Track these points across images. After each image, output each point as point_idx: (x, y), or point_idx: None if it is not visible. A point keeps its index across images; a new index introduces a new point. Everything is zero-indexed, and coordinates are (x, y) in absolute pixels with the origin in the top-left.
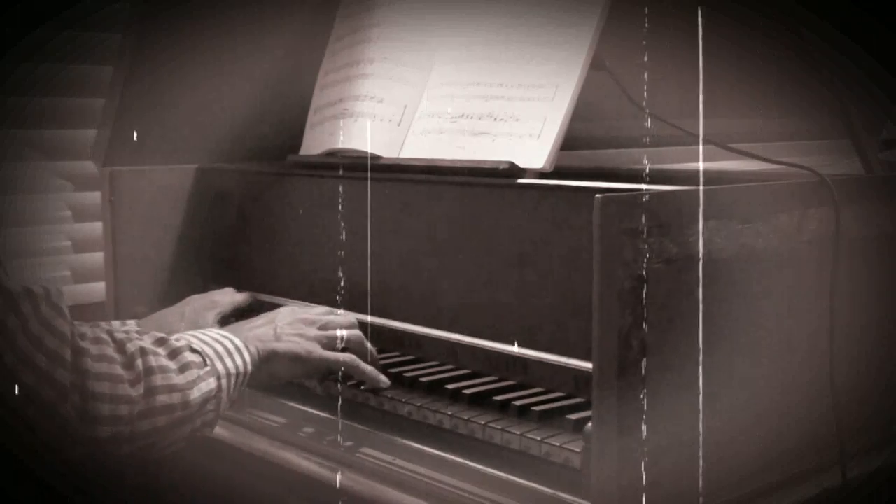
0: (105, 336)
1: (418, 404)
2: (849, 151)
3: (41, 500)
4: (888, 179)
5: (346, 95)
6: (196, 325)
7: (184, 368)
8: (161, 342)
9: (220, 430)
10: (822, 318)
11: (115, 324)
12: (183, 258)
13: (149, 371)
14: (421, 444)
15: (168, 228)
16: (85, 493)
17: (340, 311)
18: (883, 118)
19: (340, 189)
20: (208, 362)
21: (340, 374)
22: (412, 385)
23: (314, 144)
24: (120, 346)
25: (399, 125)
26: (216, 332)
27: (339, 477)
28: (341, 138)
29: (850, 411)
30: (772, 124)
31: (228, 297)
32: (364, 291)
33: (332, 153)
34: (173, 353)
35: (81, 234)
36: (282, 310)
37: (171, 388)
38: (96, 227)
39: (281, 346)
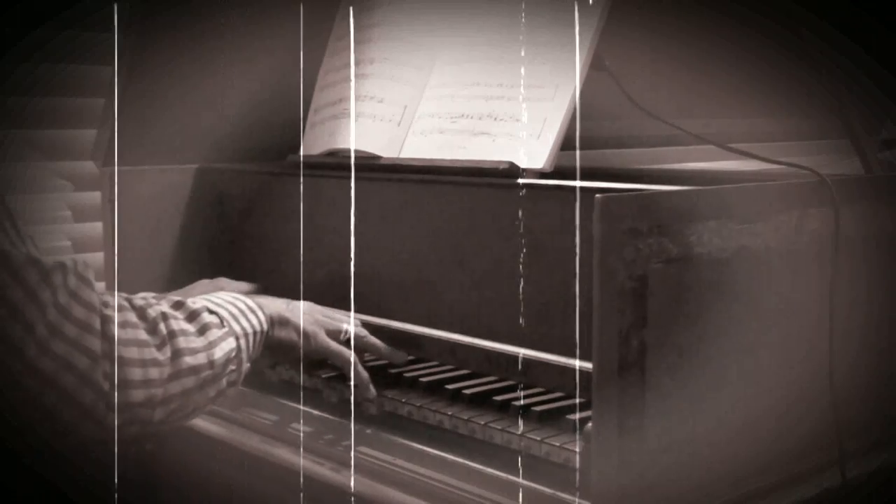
0: (125, 303)
1: (418, 404)
2: (849, 151)
3: (41, 499)
4: (888, 179)
5: (346, 95)
6: None
7: (203, 329)
8: (178, 305)
9: (219, 430)
10: (822, 318)
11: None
12: (183, 258)
13: (172, 334)
14: (421, 444)
15: (168, 228)
16: (84, 491)
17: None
18: (883, 118)
19: (340, 189)
20: (225, 323)
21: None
22: (412, 385)
23: (314, 144)
24: (141, 312)
25: (399, 125)
26: (229, 295)
27: (339, 477)
28: (341, 138)
29: (849, 411)
30: (772, 124)
31: (234, 285)
32: (364, 291)
33: (332, 153)
34: (192, 316)
35: (81, 234)
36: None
37: (195, 350)
38: (96, 227)
39: (293, 317)
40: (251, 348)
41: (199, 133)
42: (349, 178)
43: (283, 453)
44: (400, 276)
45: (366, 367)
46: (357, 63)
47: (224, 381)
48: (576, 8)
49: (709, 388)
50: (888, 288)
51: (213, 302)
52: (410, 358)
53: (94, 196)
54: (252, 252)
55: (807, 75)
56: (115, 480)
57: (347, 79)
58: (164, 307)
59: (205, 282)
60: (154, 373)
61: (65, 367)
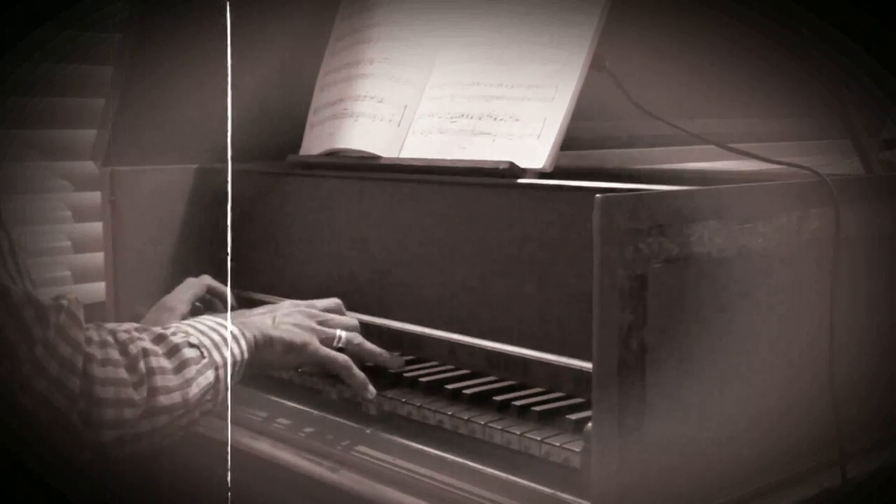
0: (109, 338)
1: (418, 404)
2: (849, 151)
3: (41, 499)
4: (888, 179)
5: (346, 95)
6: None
7: (181, 367)
8: (160, 339)
9: (219, 430)
10: (822, 318)
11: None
12: (183, 258)
13: (150, 372)
14: (421, 444)
15: (168, 228)
16: (84, 492)
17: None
18: (883, 118)
19: (340, 189)
20: (205, 354)
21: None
22: (412, 385)
23: (314, 144)
24: (123, 347)
25: (399, 125)
26: (212, 321)
27: (338, 477)
28: (341, 138)
29: (850, 411)
30: (772, 124)
31: (218, 285)
32: (364, 291)
33: (332, 153)
34: (171, 351)
35: (81, 234)
36: (284, 302)
37: (170, 389)
38: (96, 227)
39: (277, 333)
40: (231, 377)
41: (199, 133)
42: (349, 178)
43: (282, 453)
44: (400, 276)
45: (365, 368)
46: (357, 63)
47: (197, 413)
48: (576, 8)
49: (709, 388)
50: (888, 288)
51: (195, 329)
52: (410, 358)
53: (94, 196)
54: (252, 252)
55: (807, 75)
56: (116, 481)
57: (347, 79)
58: (146, 342)
59: (191, 280)
60: (128, 413)
61: (43, 405)
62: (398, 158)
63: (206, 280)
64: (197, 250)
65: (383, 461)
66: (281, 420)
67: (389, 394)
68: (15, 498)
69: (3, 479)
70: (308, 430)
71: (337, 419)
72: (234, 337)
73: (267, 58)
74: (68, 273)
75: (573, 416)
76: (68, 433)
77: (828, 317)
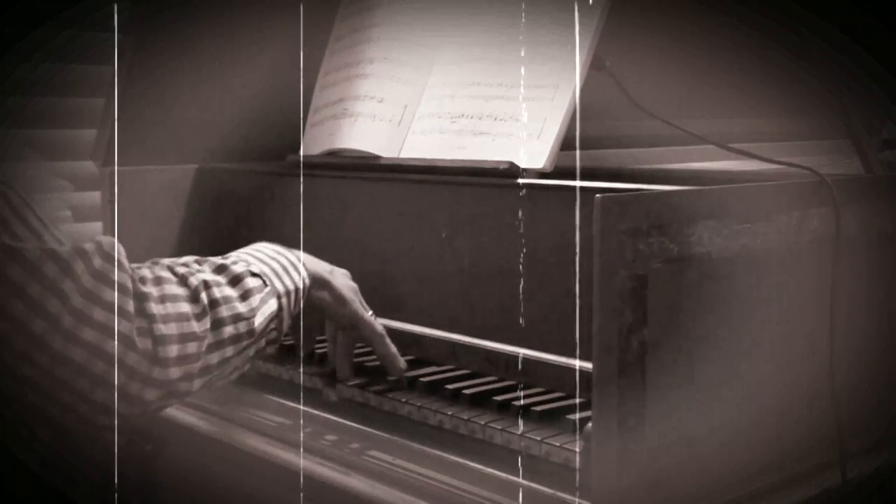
0: (166, 274)
1: (418, 404)
2: (849, 151)
3: (40, 499)
4: (888, 179)
5: (346, 95)
6: None
7: (246, 295)
8: (221, 269)
9: (219, 430)
10: (822, 318)
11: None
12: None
13: (214, 303)
14: (421, 444)
15: (168, 228)
16: (83, 491)
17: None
18: (883, 118)
19: (340, 189)
20: (268, 282)
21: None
22: (412, 385)
23: (314, 144)
24: (183, 280)
25: (399, 125)
26: (271, 249)
27: (338, 477)
28: (341, 138)
29: (850, 411)
30: (772, 124)
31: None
32: (364, 291)
33: (332, 153)
34: (234, 280)
35: (81, 234)
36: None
37: (237, 318)
38: (96, 227)
39: (333, 280)
40: (292, 305)
41: (199, 133)
42: (349, 178)
43: (282, 453)
44: (400, 276)
45: (365, 368)
46: (357, 63)
47: (263, 341)
48: (576, 8)
49: (709, 388)
50: (888, 288)
51: (255, 258)
52: (410, 358)
53: (94, 196)
54: None
55: (807, 75)
56: (115, 481)
57: (347, 79)
58: (207, 273)
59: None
60: (192, 347)
61: (96, 354)
62: (398, 158)
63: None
64: (197, 250)
65: (383, 461)
66: (280, 420)
67: (389, 394)
68: (15, 498)
69: (3, 479)
70: (307, 430)
71: (337, 419)
72: (294, 265)
73: (267, 58)
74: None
75: (573, 416)
76: (131, 375)
77: (828, 317)
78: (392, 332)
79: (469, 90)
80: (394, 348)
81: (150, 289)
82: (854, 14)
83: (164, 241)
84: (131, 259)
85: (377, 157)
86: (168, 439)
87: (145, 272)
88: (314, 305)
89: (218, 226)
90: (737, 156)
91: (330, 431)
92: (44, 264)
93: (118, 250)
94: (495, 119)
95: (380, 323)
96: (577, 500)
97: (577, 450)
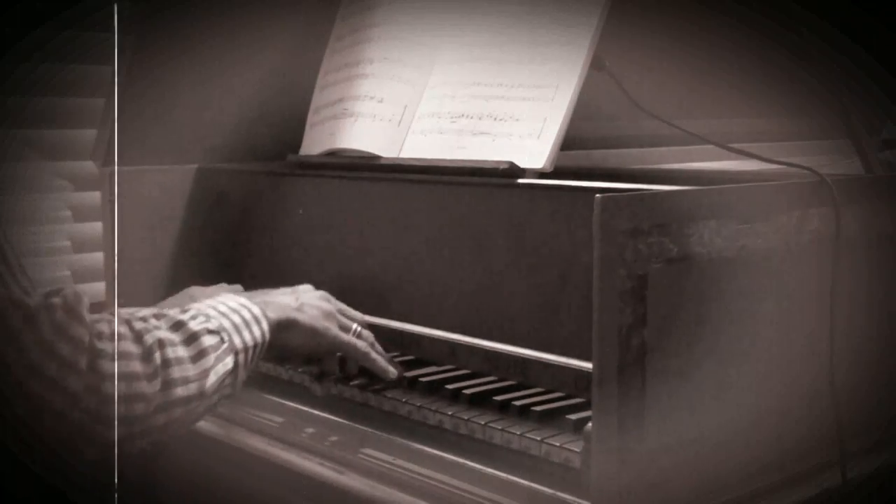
0: (123, 329)
1: (418, 404)
2: (849, 151)
3: (40, 499)
4: (888, 179)
5: (346, 95)
6: None
7: (200, 356)
8: (178, 326)
9: (219, 430)
10: (822, 318)
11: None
12: (183, 258)
13: (166, 363)
14: (421, 444)
15: (168, 228)
16: (83, 492)
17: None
18: (883, 118)
19: (340, 189)
20: (226, 338)
21: (339, 371)
22: (412, 385)
23: (314, 144)
24: (138, 336)
25: (399, 125)
26: (234, 301)
27: (338, 477)
28: (341, 138)
29: (850, 411)
30: (772, 124)
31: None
32: (364, 291)
33: (332, 153)
34: (189, 339)
35: (81, 234)
36: (304, 286)
37: (188, 380)
38: (96, 227)
39: (301, 317)
40: (250, 361)
41: (199, 133)
42: (349, 178)
43: (282, 453)
44: (400, 276)
45: (364, 369)
46: (357, 63)
47: (215, 399)
48: (576, 8)
49: (709, 388)
50: (889, 288)
51: (217, 312)
52: (410, 358)
53: (94, 196)
54: (252, 252)
55: (807, 75)
56: (115, 481)
57: (347, 79)
58: (163, 331)
59: (198, 289)
60: (139, 408)
61: (43, 407)
62: (398, 158)
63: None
64: (197, 250)
65: (383, 461)
66: (280, 420)
67: (389, 394)
68: (15, 498)
69: (3, 479)
70: (308, 430)
71: (336, 419)
72: (256, 318)
73: (267, 58)
74: (68, 273)
75: (573, 416)
76: (73, 432)
77: (828, 317)
78: (392, 332)
79: (469, 90)
80: (381, 361)
81: (106, 345)
82: (854, 14)
83: (165, 241)
84: (130, 257)
85: (377, 157)
86: (168, 439)
87: (104, 327)
88: (288, 347)
89: (218, 226)
90: (737, 156)
91: (330, 431)
92: (8, 313)
93: (81, 303)
94: (495, 119)
95: (365, 336)
96: (577, 500)
97: (577, 450)
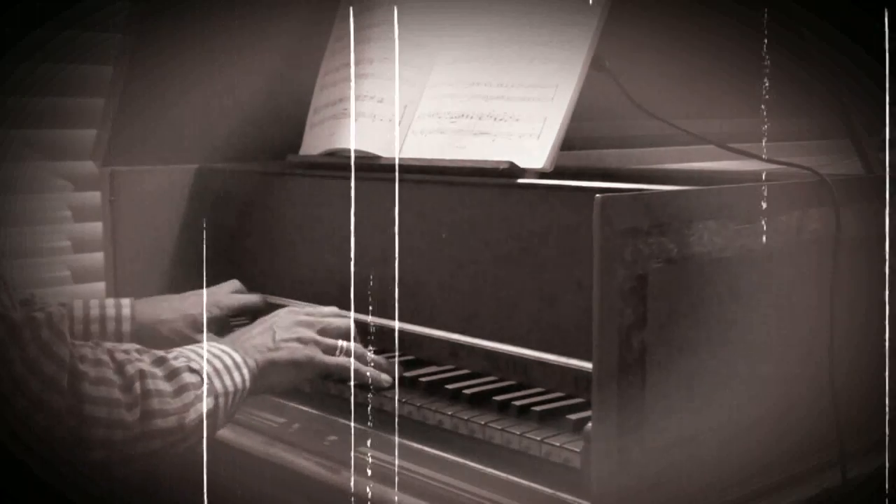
0: (105, 357)
1: (418, 404)
2: (849, 151)
3: (38, 498)
4: (888, 179)
5: (346, 95)
6: (194, 322)
7: (181, 391)
8: (160, 362)
9: (220, 430)
10: (821, 318)
11: (110, 303)
12: (183, 258)
13: (146, 394)
14: (421, 444)
15: (168, 228)
16: (83, 492)
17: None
18: (883, 118)
19: (340, 189)
20: (206, 381)
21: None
22: (412, 385)
23: (314, 144)
24: (119, 367)
25: (399, 125)
26: (216, 347)
27: (339, 477)
28: (341, 138)
29: (850, 411)
30: (772, 124)
31: (234, 301)
32: (364, 291)
33: (332, 153)
34: (171, 375)
35: (81, 234)
36: (279, 313)
37: (167, 413)
38: (96, 227)
39: (279, 356)
40: (230, 406)
41: (199, 133)
42: (349, 178)
43: (282, 453)
44: (400, 276)
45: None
46: (357, 63)
47: (194, 438)
48: (576, 8)
49: (709, 388)
50: (889, 288)
51: (197, 354)
52: (410, 358)
53: (94, 196)
54: (252, 252)
55: (807, 75)
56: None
57: (347, 79)
58: (146, 364)
59: (197, 295)
60: (118, 434)
61: (25, 423)
62: (398, 158)
63: (234, 301)
64: (197, 250)
65: (383, 461)
66: (280, 420)
67: (389, 394)
68: (15, 498)
69: (3, 479)
70: (308, 429)
71: (336, 419)
72: (237, 365)
73: (267, 57)
74: (68, 273)
75: (573, 416)
76: (53, 451)
77: (828, 317)
78: (392, 332)
79: (469, 90)
80: (370, 370)
81: (88, 369)
82: (854, 14)
83: (165, 241)
84: (130, 257)
85: (377, 157)
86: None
87: (86, 351)
88: (275, 387)
89: (218, 226)
90: (737, 156)
91: (330, 431)
92: None
93: (64, 322)
94: (495, 119)
95: (355, 349)
96: (577, 500)
97: (577, 450)
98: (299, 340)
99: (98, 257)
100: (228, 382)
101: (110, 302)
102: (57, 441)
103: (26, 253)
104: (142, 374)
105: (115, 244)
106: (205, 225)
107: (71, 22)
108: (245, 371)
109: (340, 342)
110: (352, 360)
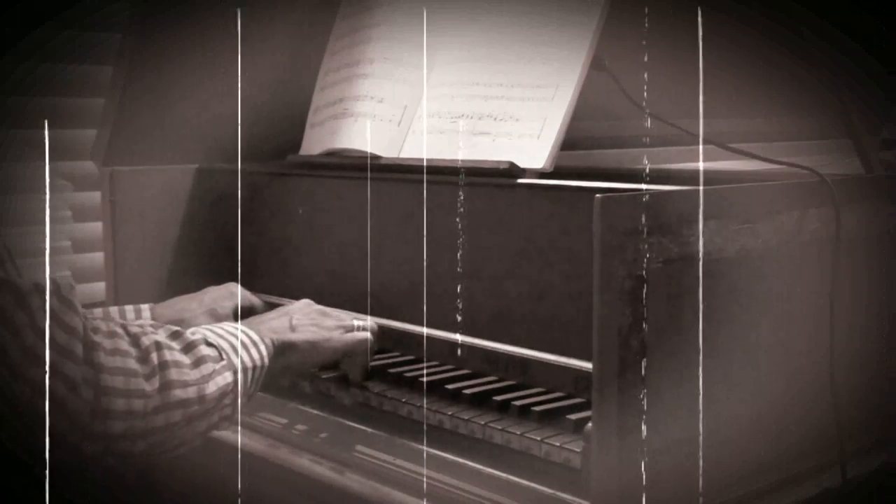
0: (119, 330)
1: (418, 404)
2: (849, 151)
3: (39, 498)
4: (888, 179)
5: (346, 95)
6: (214, 313)
7: (199, 362)
8: (176, 336)
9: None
10: (822, 318)
11: (129, 309)
12: (183, 258)
13: (164, 365)
14: (421, 444)
15: (168, 228)
16: (85, 492)
17: (362, 320)
18: (883, 118)
19: (340, 189)
20: (224, 356)
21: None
22: (412, 385)
23: (314, 144)
24: (135, 339)
25: (399, 125)
26: (231, 326)
27: (338, 477)
28: (341, 138)
29: (850, 411)
30: (772, 124)
31: (246, 292)
32: (364, 291)
33: (332, 153)
34: (188, 347)
35: (81, 234)
36: (298, 303)
37: (186, 383)
38: (96, 227)
39: (297, 337)
40: (249, 383)
41: (199, 133)
42: (349, 178)
43: (282, 453)
44: (400, 276)
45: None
46: (357, 63)
47: (216, 416)
48: (576, 8)
49: (709, 388)
50: (888, 288)
51: (214, 333)
52: (410, 358)
53: (94, 196)
54: (252, 252)
55: (807, 75)
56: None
57: (347, 79)
58: (161, 336)
59: (214, 287)
60: (138, 404)
61: (39, 393)
62: (398, 158)
63: (232, 288)
64: (197, 250)
65: (383, 461)
66: (280, 420)
67: (389, 394)
68: (14, 498)
69: (2, 479)
70: (307, 429)
71: (336, 419)
72: (254, 342)
73: (267, 58)
74: (68, 273)
75: (573, 416)
76: (70, 423)
77: (828, 317)
78: (392, 332)
79: (469, 90)
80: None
81: (102, 339)
82: (854, 14)
83: (165, 241)
84: (130, 257)
85: (377, 157)
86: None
87: (99, 323)
88: (292, 367)
89: (218, 226)
90: (737, 156)
91: (329, 431)
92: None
93: (73, 291)
94: (495, 119)
95: (370, 327)
96: (577, 500)
97: (577, 450)
98: (316, 325)
99: (98, 257)
100: (246, 358)
101: (130, 308)
102: (74, 415)
103: (26, 253)
104: (158, 346)
105: (115, 244)
106: (205, 225)
107: (71, 22)
108: (262, 348)
109: (356, 322)
110: (368, 337)
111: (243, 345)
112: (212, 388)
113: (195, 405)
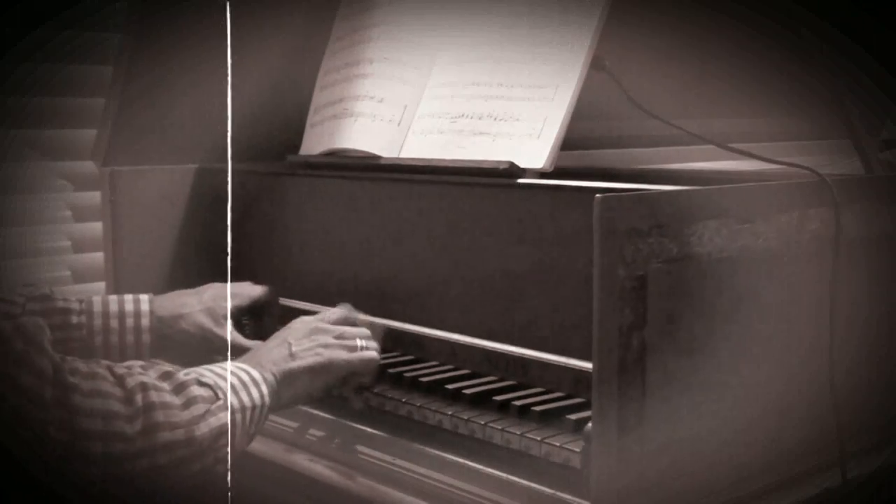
0: (102, 371)
1: (418, 404)
2: (849, 151)
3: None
4: (888, 179)
5: (346, 95)
6: (213, 312)
7: (189, 403)
8: (166, 376)
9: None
10: (822, 318)
11: (128, 299)
12: (183, 258)
13: (149, 407)
14: (421, 444)
15: (168, 228)
16: (84, 492)
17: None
18: (883, 118)
19: (340, 189)
20: (220, 395)
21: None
22: (412, 385)
23: (314, 144)
24: (119, 380)
25: (399, 125)
26: (233, 365)
27: (338, 477)
28: (341, 138)
29: (850, 411)
30: (772, 124)
31: (247, 290)
32: (364, 291)
33: (332, 153)
34: (179, 388)
35: (81, 234)
36: (293, 324)
37: (175, 425)
38: (96, 227)
39: (298, 365)
40: (248, 422)
41: (199, 133)
42: (349, 178)
43: (281, 453)
44: (400, 275)
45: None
46: (357, 63)
47: (210, 458)
48: (576, 8)
49: (709, 388)
50: (888, 288)
51: (211, 371)
52: (410, 358)
53: (94, 196)
54: (252, 252)
55: (807, 75)
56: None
57: (347, 79)
58: (149, 377)
59: (216, 284)
60: (118, 447)
61: (9, 435)
62: (398, 158)
63: (247, 290)
64: (197, 250)
65: (383, 461)
66: (281, 421)
67: (389, 394)
68: (13, 498)
69: (2, 480)
70: (307, 430)
71: (336, 419)
72: (254, 381)
73: (267, 58)
74: (68, 273)
75: (573, 416)
76: (46, 467)
77: (828, 317)
78: (392, 332)
79: (469, 90)
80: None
81: (79, 381)
82: (854, 14)
83: (165, 241)
84: (130, 257)
85: (377, 157)
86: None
87: (79, 365)
88: (297, 398)
89: (218, 226)
90: (737, 156)
91: (329, 431)
92: None
93: (42, 333)
94: (495, 119)
95: (370, 352)
96: (577, 500)
97: (577, 450)
98: (317, 345)
99: (98, 257)
100: (245, 398)
101: (129, 297)
102: (47, 456)
103: (26, 253)
104: (144, 386)
105: (115, 244)
106: (205, 225)
107: (71, 22)
108: (263, 387)
109: (359, 341)
110: (373, 356)
111: (242, 384)
112: (203, 429)
113: (182, 448)
